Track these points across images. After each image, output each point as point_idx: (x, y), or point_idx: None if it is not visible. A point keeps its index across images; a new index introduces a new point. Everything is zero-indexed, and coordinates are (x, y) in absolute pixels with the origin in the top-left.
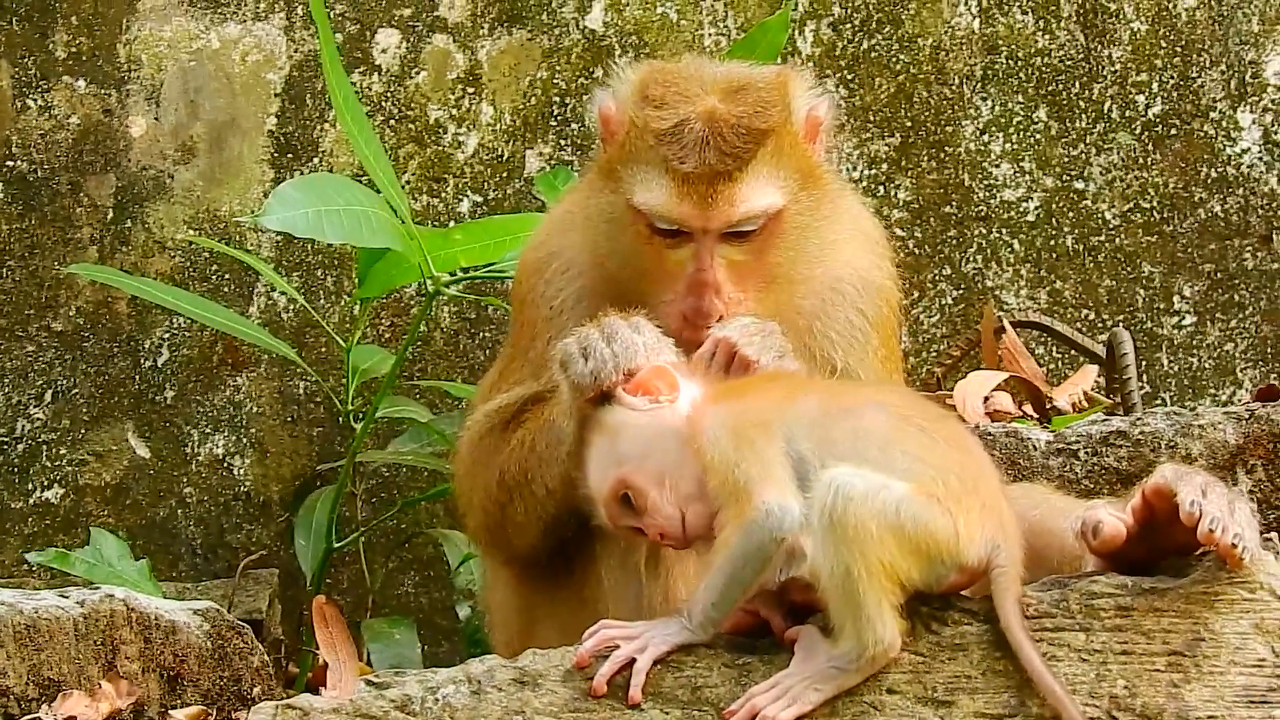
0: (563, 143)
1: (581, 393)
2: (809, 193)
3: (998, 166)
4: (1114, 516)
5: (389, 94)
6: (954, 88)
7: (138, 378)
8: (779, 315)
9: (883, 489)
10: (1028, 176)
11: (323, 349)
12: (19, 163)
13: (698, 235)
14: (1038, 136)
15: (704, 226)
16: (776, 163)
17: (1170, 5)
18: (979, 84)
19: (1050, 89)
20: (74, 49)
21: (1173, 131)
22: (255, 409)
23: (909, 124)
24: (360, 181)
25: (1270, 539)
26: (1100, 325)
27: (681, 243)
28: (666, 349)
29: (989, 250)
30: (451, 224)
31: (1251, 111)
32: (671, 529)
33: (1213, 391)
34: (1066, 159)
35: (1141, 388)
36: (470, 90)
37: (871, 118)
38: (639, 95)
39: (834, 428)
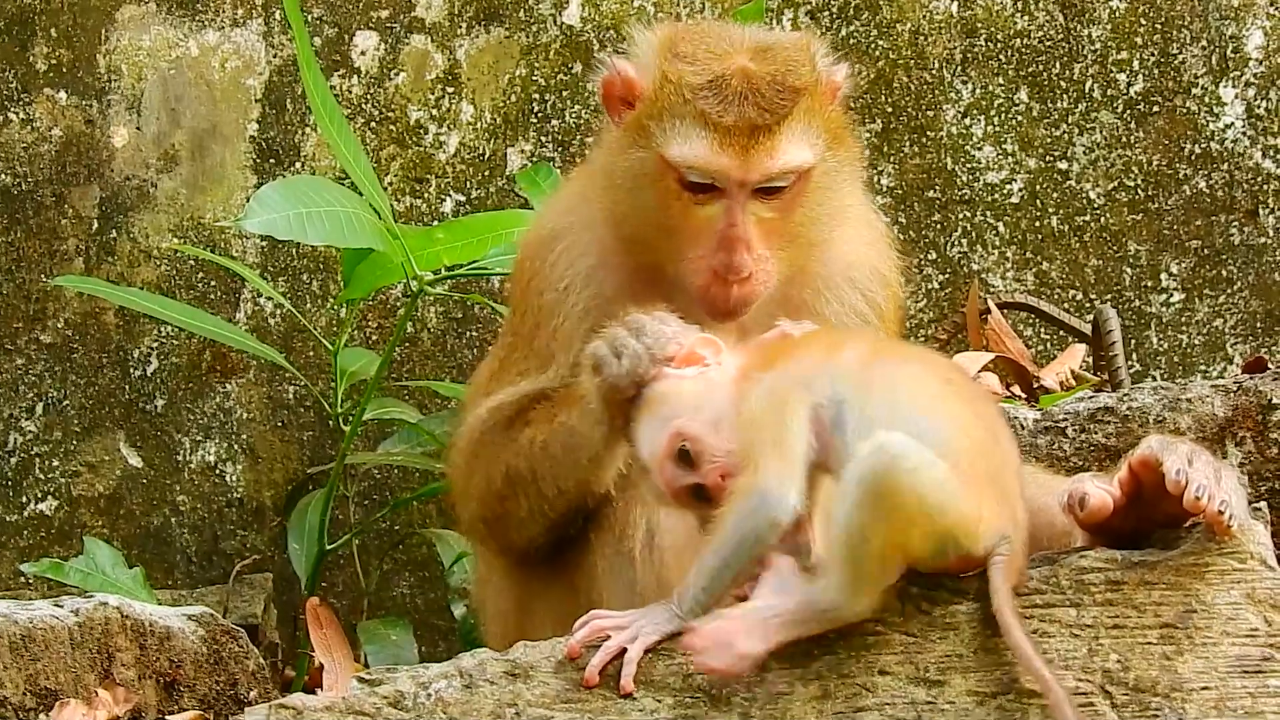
0: (544, 139)
1: (620, 393)
2: (834, 154)
3: (980, 149)
4: (1100, 489)
5: (369, 96)
6: (934, 72)
7: (127, 387)
8: (797, 279)
9: (932, 465)
10: (1011, 158)
11: (311, 353)
12: (2, 176)
13: (731, 190)
14: (1019, 118)
15: (742, 179)
16: (808, 120)
17: None
18: (959, 67)
19: (1031, 70)
20: (54, 61)
21: (1155, 109)
22: (245, 415)
23: (890, 110)
24: (343, 184)
25: (1259, 508)
26: (1088, 305)
27: (712, 199)
28: (694, 329)
29: (974, 233)
30: (435, 224)
31: (1234, 86)
32: (732, 464)
33: (1203, 368)
34: (1049, 140)
35: (1131, 366)
36: (450, 90)
37: (852, 104)
38: (669, 52)
39: (875, 377)
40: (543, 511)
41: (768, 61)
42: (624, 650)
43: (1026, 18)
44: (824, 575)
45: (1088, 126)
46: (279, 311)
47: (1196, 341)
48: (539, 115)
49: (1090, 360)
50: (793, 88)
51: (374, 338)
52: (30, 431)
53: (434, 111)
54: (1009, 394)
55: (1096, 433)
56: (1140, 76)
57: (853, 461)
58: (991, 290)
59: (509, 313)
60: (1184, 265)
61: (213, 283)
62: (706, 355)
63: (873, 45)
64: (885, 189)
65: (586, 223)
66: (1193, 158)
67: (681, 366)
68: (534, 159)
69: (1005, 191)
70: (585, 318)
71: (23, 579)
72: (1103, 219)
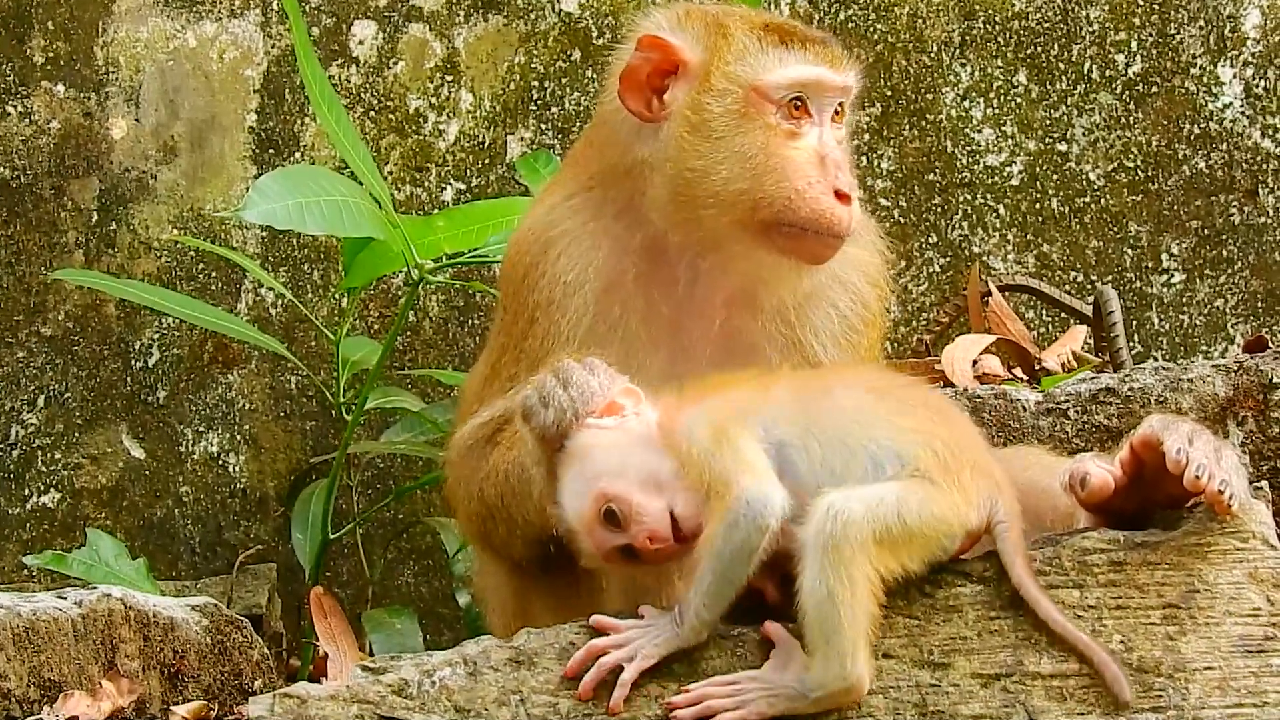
0: (543, 127)
1: (549, 443)
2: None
3: (980, 132)
4: (1102, 468)
5: (368, 85)
6: (933, 55)
7: (129, 379)
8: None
9: (879, 503)
10: (1010, 141)
11: (312, 343)
12: (1, 169)
13: (822, 110)
14: (1019, 100)
15: (844, 84)
16: None
17: None
18: (958, 50)
19: (1029, 52)
20: (52, 54)
21: (1154, 89)
22: (248, 405)
23: (889, 93)
24: (343, 173)
25: (1261, 488)
26: (1089, 286)
27: (804, 126)
28: (621, 381)
29: (974, 216)
30: (435, 212)
31: (1232, 66)
32: (660, 527)
33: (1204, 348)
34: (1048, 121)
35: (1133, 348)
36: (449, 78)
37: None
38: (705, 18)
39: (811, 409)
40: (519, 535)
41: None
42: (620, 668)
43: None
44: (811, 651)
45: (1087, 108)
46: (280, 301)
47: (1197, 322)
48: (538, 103)
49: (1091, 342)
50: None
51: (375, 327)
52: (32, 424)
53: (433, 100)
54: (1010, 376)
55: (1098, 414)
56: (1139, 57)
57: (810, 525)
58: (992, 273)
59: (499, 314)
60: (1184, 246)
61: (213, 273)
62: (626, 405)
63: (871, 28)
64: (885, 172)
65: (582, 222)
66: (1192, 138)
67: (602, 416)
68: (534, 146)
69: (1005, 174)
70: (580, 318)
71: (26, 571)
72: (1103, 200)
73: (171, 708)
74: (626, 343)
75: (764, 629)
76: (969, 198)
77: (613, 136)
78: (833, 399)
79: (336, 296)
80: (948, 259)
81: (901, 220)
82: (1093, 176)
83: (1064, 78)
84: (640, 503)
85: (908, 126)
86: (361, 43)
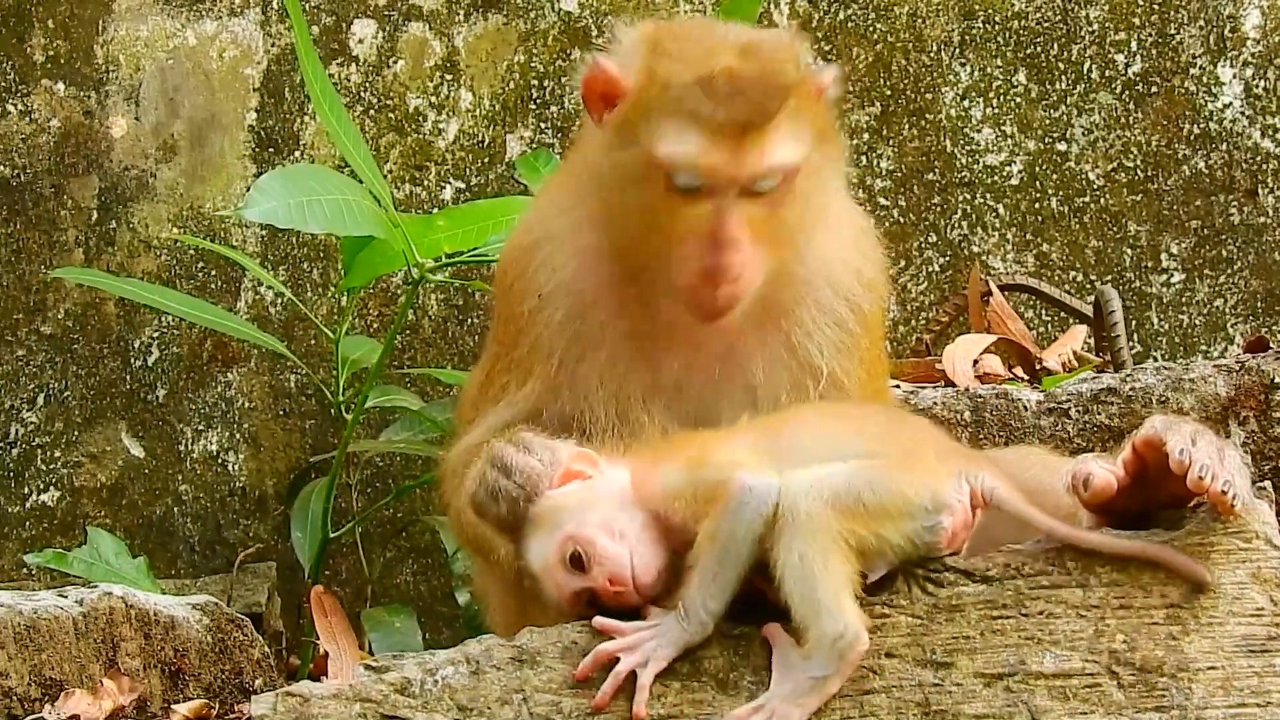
0: (543, 126)
1: (509, 529)
2: (821, 153)
3: (979, 131)
4: (1104, 469)
5: (368, 84)
6: (932, 54)
7: (129, 377)
8: (777, 279)
9: (828, 475)
10: (1010, 140)
11: (312, 341)
12: (1, 168)
13: (720, 189)
14: (1018, 100)
15: (733, 177)
16: (796, 119)
17: None
18: (957, 49)
19: (1029, 51)
20: (51, 52)
21: (1153, 89)
22: (247, 404)
23: (889, 92)
24: (343, 172)
25: (1263, 488)
26: (1089, 286)
27: (700, 198)
28: (566, 448)
29: (974, 216)
30: (435, 211)
31: (1231, 66)
32: (621, 570)
33: (1204, 348)
34: (1048, 121)
35: (1133, 347)
36: (449, 77)
37: (851, 87)
38: (654, 50)
39: (775, 444)
40: (497, 561)
41: (754, 60)
42: (634, 673)
43: None
44: (802, 629)
45: (1086, 107)
46: (279, 300)
47: (1197, 321)
48: (538, 101)
49: (1092, 341)
50: (780, 86)
51: (375, 325)
52: (32, 422)
53: (433, 99)
54: (1011, 376)
55: (1100, 414)
56: (1138, 57)
57: (781, 514)
58: (992, 272)
59: (493, 321)
60: (1184, 245)
61: (213, 272)
62: (585, 469)
63: (871, 28)
64: (885, 172)
65: (567, 229)
66: (1191, 138)
67: (561, 485)
68: (533, 145)
69: (1005, 173)
70: (564, 327)
71: (26, 570)
72: (1102, 200)
73: (172, 706)
74: (610, 355)
75: (764, 630)
76: (968, 197)
77: (587, 140)
78: (790, 434)
79: (336, 295)
80: (947, 258)
81: (901, 220)
82: (1092, 176)
83: (1064, 77)
84: (604, 545)
85: (907, 126)
86: (361, 41)
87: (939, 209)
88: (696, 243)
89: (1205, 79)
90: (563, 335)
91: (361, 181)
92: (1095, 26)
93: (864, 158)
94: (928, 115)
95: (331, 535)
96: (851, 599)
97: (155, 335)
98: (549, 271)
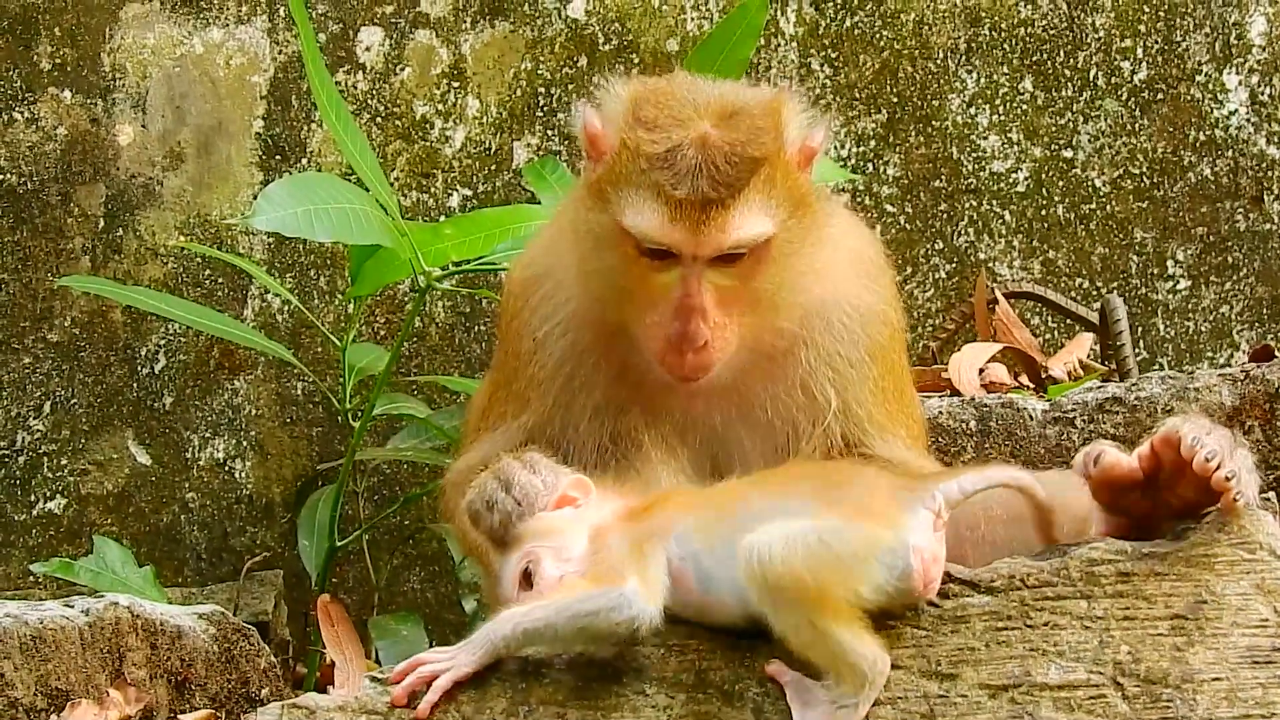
0: (550, 133)
1: (500, 543)
2: (798, 220)
3: (985, 138)
4: (1116, 452)
5: (374, 91)
6: (939, 61)
7: (135, 385)
8: (761, 342)
9: (795, 533)
10: (1016, 147)
11: (319, 349)
12: (8, 176)
13: (686, 260)
14: (1024, 107)
15: (694, 252)
16: (768, 191)
17: None
18: (963, 57)
19: (1035, 59)
20: (58, 60)
21: (1159, 96)
22: (254, 411)
23: (895, 100)
24: (349, 180)
25: (1269, 499)
26: (1095, 293)
27: (669, 265)
28: (566, 476)
29: (980, 222)
30: (442, 219)
31: (1237, 73)
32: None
33: (1210, 355)
34: (1054, 128)
35: (1139, 354)
36: (455, 84)
37: (858, 95)
38: (630, 116)
39: (723, 514)
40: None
41: (730, 129)
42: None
43: (1030, 6)
44: (825, 674)
45: (1092, 115)
46: (286, 308)
47: (1203, 328)
48: (545, 109)
49: (1097, 349)
50: (751, 158)
51: (382, 333)
52: (38, 430)
53: (440, 106)
54: (1017, 384)
55: (1105, 423)
56: (1144, 64)
57: (739, 568)
58: (998, 279)
59: (498, 345)
60: (1190, 252)
61: (220, 280)
62: (578, 497)
63: (877, 35)
64: (891, 179)
65: (563, 261)
66: (1197, 145)
67: (556, 509)
68: (540, 153)
69: (1011, 180)
70: (561, 366)
71: (32, 579)
72: (1108, 207)
73: (179, 716)
74: (605, 395)
75: (769, 671)
76: (975, 204)
77: (588, 173)
78: (743, 500)
79: (343, 303)
80: (953, 265)
81: (907, 227)
82: (1098, 183)
83: (1069, 85)
84: (545, 567)
85: (914, 133)
86: (368, 49)
87: (945, 216)
88: (665, 308)
89: (1211, 86)
90: (558, 374)
91: (368, 189)
92: (1101, 34)
93: (870, 165)
94: (934, 122)
95: (338, 543)
96: (863, 629)
97: (162, 343)
98: (549, 308)
